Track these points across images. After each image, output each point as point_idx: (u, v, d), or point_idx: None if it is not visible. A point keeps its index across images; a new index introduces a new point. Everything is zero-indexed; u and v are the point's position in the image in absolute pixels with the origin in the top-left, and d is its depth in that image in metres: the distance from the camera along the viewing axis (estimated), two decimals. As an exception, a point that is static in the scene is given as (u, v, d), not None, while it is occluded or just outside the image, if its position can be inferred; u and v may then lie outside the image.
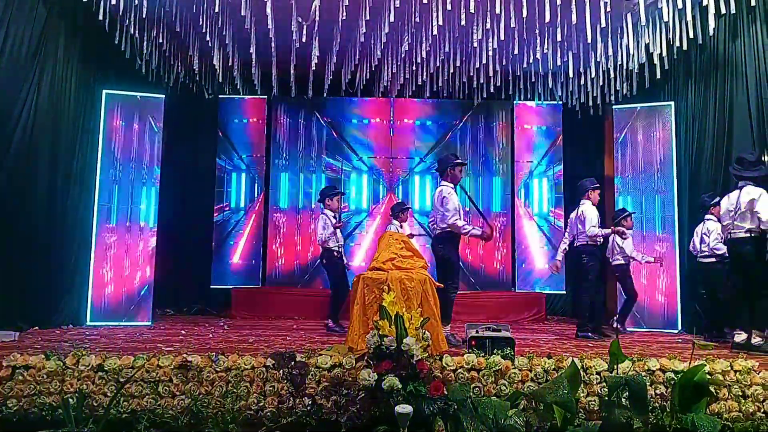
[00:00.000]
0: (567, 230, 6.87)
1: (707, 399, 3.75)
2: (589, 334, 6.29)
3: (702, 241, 6.44)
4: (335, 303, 6.70)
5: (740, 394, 3.93)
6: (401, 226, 7.57)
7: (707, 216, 6.44)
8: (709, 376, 3.83)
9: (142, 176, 7.35)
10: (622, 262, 7.00)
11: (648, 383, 3.83)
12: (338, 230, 6.82)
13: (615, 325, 6.61)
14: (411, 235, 6.96)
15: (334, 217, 6.84)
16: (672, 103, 7.58)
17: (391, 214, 7.82)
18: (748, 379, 3.96)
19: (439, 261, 5.67)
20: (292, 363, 3.90)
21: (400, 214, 7.66)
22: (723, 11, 5.90)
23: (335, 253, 6.77)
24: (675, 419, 3.59)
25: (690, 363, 3.90)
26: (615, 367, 3.78)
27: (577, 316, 6.61)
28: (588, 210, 6.42)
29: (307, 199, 9.41)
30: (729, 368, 4.00)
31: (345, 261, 7.09)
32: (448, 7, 5.78)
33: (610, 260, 7.06)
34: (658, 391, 3.89)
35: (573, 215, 6.66)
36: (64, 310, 6.70)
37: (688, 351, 4.72)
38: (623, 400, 3.63)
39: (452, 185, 5.77)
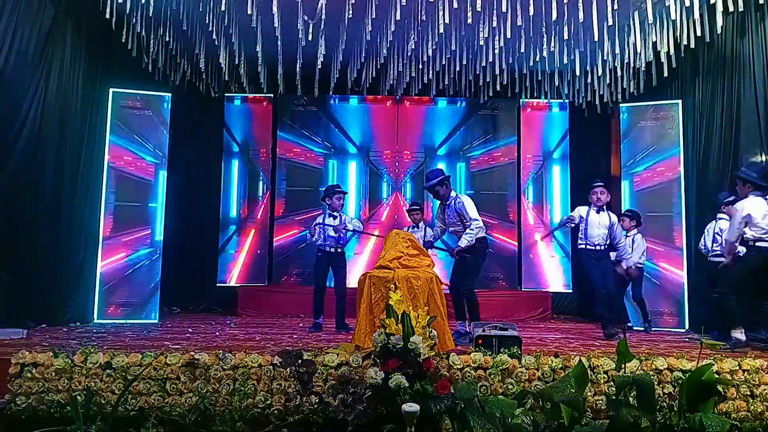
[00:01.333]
0: None
1: (715, 398, 3.75)
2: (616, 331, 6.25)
3: (714, 240, 6.40)
4: (314, 300, 6.71)
5: (748, 393, 3.92)
6: (416, 227, 7.63)
7: (720, 215, 6.40)
8: (717, 376, 3.83)
9: (149, 174, 7.37)
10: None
11: (656, 382, 3.83)
12: (331, 229, 6.70)
13: (624, 325, 6.58)
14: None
15: (332, 216, 6.79)
16: (679, 101, 7.54)
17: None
18: (756, 379, 3.95)
19: None
20: (299, 361, 3.91)
21: (409, 213, 7.82)
22: (731, 9, 5.87)
23: (318, 252, 6.76)
24: (683, 419, 3.59)
25: (698, 362, 3.89)
26: (622, 366, 3.78)
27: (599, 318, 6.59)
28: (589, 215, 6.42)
29: (313, 196, 9.40)
30: (737, 368, 3.99)
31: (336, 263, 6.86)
32: (455, 5, 5.77)
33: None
34: (665, 391, 3.89)
35: None
36: (71, 307, 6.72)
37: (695, 350, 4.70)
38: (631, 399, 3.63)
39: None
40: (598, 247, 6.30)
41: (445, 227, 6.22)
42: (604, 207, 6.36)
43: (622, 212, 7.30)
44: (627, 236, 7.08)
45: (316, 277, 6.78)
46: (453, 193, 6.09)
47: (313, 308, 6.69)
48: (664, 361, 4.00)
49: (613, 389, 3.75)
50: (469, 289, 5.90)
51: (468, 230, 5.82)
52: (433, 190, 6.09)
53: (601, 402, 3.83)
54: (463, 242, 5.81)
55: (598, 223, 6.31)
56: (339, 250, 6.77)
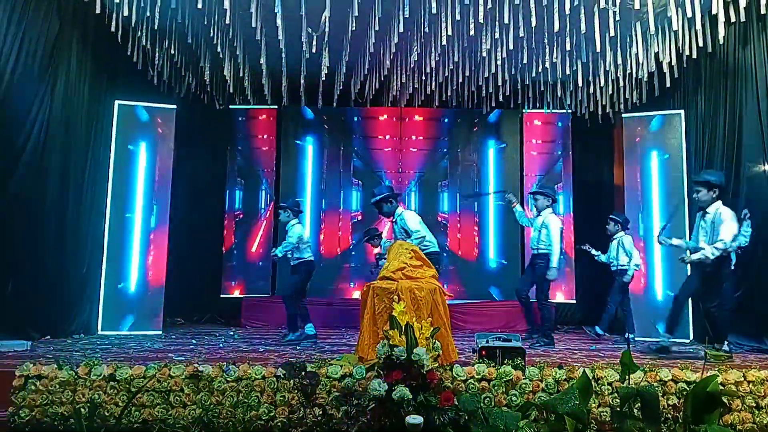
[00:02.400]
0: None
1: (720, 410, 3.72)
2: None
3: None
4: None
5: (754, 405, 3.89)
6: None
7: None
8: (722, 387, 3.81)
9: (154, 186, 7.40)
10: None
11: (660, 394, 3.81)
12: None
13: (626, 336, 6.56)
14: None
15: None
16: (682, 111, 7.55)
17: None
18: (762, 390, 3.93)
19: None
20: (303, 373, 3.91)
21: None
22: (733, 19, 5.89)
23: None
24: (688, 430, 3.56)
25: (702, 373, 3.87)
26: (627, 377, 3.76)
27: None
28: None
29: (317, 208, 9.42)
30: (742, 379, 3.97)
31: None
32: (457, 17, 5.81)
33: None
34: (670, 402, 3.86)
35: None
36: (75, 319, 6.74)
37: (700, 361, 4.68)
38: (635, 411, 3.61)
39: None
40: (533, 251, 6.61)
41: None
42: (541, 212, 6.58)
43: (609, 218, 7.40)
44: (613, 240, 7.26)
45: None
46: (399, 210, 6.04)
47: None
48: (669, 372, 3.97)
49: (618, 401, 3.73)
50: None
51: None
52: (378, 207, 6.05)
53: (605, 414, 3.81)
54: None
55: (534, 228, 6.62)
56: (291, 263, 6.81)
